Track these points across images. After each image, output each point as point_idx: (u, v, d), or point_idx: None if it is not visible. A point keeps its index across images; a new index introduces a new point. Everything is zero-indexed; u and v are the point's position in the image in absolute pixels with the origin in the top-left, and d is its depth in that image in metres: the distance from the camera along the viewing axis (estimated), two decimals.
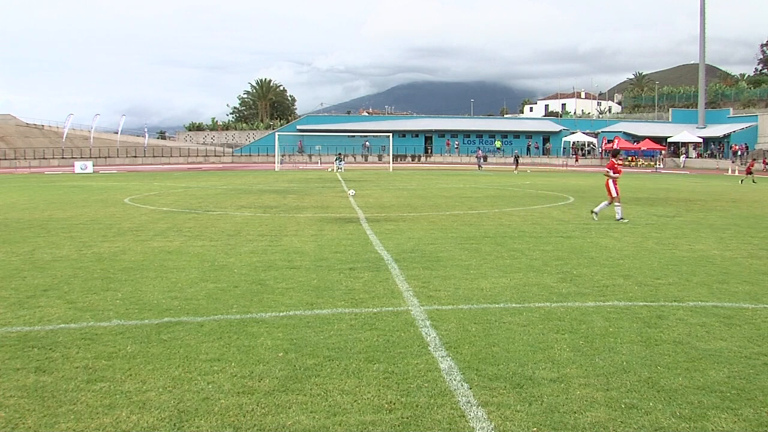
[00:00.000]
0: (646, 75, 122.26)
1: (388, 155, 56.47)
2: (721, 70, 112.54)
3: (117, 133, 71.61)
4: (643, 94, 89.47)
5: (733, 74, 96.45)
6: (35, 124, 69.24)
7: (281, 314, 6.50)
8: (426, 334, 5.83)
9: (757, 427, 3.99)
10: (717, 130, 64.75)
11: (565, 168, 56.71)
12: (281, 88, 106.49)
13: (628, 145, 62.82)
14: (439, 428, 3.95)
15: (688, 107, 75.10)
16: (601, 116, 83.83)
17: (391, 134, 56.13)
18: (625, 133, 67.48)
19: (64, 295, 7.29)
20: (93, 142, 66.14)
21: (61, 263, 9.27)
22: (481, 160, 56.00)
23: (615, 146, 60.98)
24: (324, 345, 5.51)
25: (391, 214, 16.01)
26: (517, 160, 50.43)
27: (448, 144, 69.58)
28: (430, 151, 69.83)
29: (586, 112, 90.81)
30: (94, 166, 48.63)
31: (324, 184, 30.23)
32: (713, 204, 19.63)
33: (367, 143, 67.85)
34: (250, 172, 45.70)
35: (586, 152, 67.81)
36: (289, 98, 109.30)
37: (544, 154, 68.94)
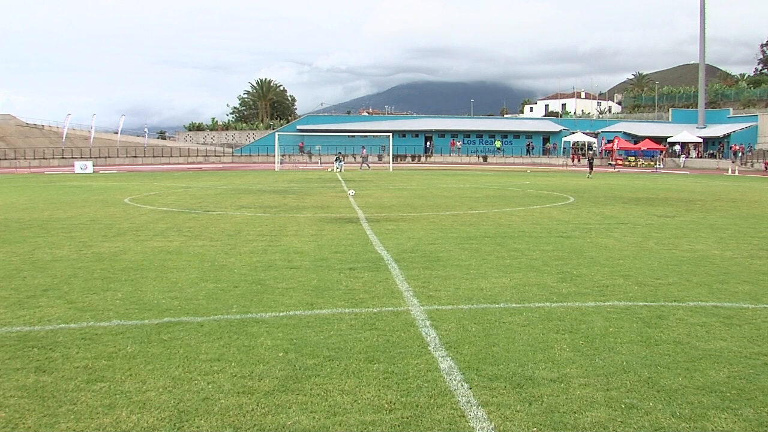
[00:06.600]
0: (646, 75, 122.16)
1: (388, 155, 56.46)
2: (721, 70, 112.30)
3: (117, 133, 71.56)
4: (643, 94, 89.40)
5: (733, 74, 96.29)
6: (35, 124, 69.19)
7: (281, 314, 6.50)
8: (426, 334, 5.83)
9: (757, 427, 3.99)
10: (717, 130, 64.70)
11: (565, 168, 56.70)
12: (281, 88, 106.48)
13: (628, 145, 62.81)
14: (439, 428, 3.96)
15: (688, 107, 75.04)
16: (601, 116, 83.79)
17: (391, 134, 56.11)
18: (625, 133, 67.40)
19: (64, 295, 7.29)
20: (93, 142, 66.11)
21: (61, 263, 9.28)
22: (366, 160, 53.22)
23: (615, 146, 61.15)
24: (324, 345, 5.51)
25: (391, 214, 16.01)
26: (591, 163, 40.64)
27: (453, 144, 69.50)
28: (431, 150, 69.74)
29: (586, 112, 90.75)
30: (94, 166, 48.59)
31: (324, 184, 30.23)
32: (713, 204, 19.63)
33: (458, 143, 68.13)
34: (250, 172, 45.69)
35: (584, 153, 67.61)
36: (289, 98, 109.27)
37: (544, 154, 68.91)
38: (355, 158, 64.61)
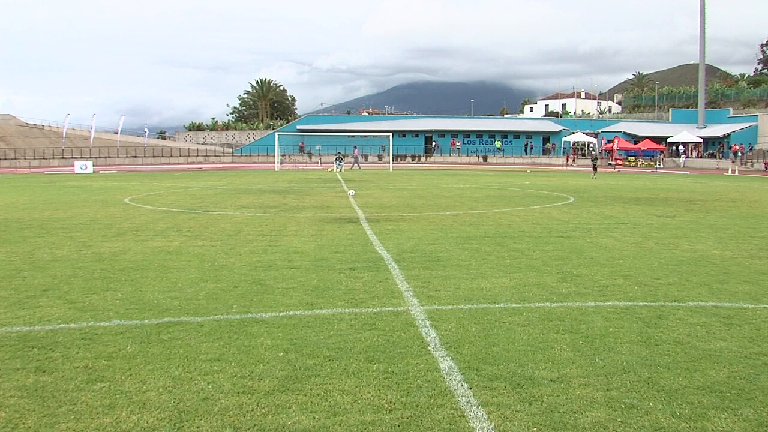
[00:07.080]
0: (646, 75, 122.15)
1: (388, 155, 56.42)
2: (721, 70, 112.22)
3: (117, 133, 71.58)
4: (643, 94, 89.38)
5: (733, 74, 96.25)
6: (35, 124, 69.21)
7: (281, 314, 6.50)
8: (426, 334, 5.83)
9: (757, 427, 3.99)
10: (717, 130, 64.67)
11: (564, 168, 56.70)
12: (281, 88, 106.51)
13: (628, 145, 62.79)
14: (439, 428, 3.95)
15: (688, 107, 75.01)
16: (601, 116, 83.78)
17: (391, 134, 56.09)
18: (625, 133, 67.38)
19: (64, 295, 7.29)
20: (93, 142, 66.12)
21: (61, 263, 9.27)
22: (357, 160, 53.17)
23: (615, 146, 61.14)
24: (324, 345, 5.51)
25: (391, 214, 16.01)
26: (595, 164, 41.66)
27: (453, 144, 69.51)
28: (434, 149, 69.66)
29: (586, 112, 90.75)
30: (94, 166, 48.58)
31: (324, 184, 30.23)
32: (713, 204, 19.63)
33: (458, 143, 69.16)
34: (250, 172, 45.69)
35: (584, 153, 67.56)
36: (289, 98, 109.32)
37: (544, 154, 68.91)
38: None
